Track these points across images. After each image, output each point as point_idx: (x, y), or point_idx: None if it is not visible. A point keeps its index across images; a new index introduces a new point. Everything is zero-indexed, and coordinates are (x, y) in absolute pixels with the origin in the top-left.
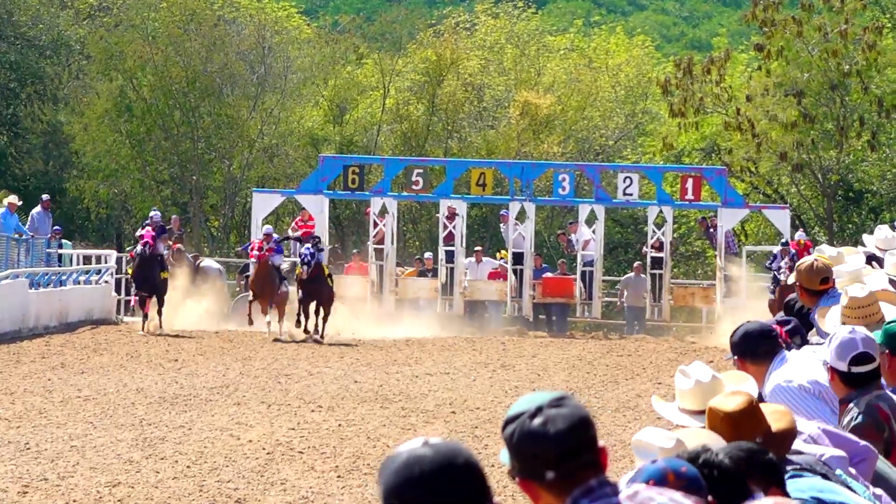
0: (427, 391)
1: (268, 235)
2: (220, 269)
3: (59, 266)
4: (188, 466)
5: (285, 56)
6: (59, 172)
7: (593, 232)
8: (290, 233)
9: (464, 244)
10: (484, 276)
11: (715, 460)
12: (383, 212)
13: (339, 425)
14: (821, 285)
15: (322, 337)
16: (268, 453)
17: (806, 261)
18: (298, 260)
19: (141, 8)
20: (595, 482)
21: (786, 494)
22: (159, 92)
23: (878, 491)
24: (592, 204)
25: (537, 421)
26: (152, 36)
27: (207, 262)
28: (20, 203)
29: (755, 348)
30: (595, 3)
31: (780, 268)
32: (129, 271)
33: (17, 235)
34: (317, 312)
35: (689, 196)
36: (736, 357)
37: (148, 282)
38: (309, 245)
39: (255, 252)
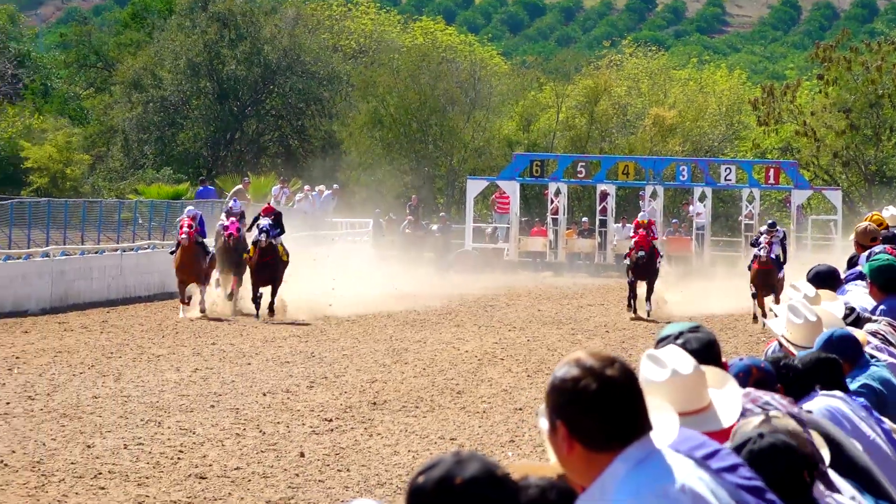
0: (588, 317)
1: (193, 217)
2: (441, 230)
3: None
4: (423, 369)
5: (489, 84)
6: (333, 166)
7: (703, 206)
8: (261, 220)
9: (613, 215)
10: (627, 237)
11: (791, 363)
12: (557, 192)
13: (528, 340)
14: (871, 242)
15: (272, 313)
16: (478, 359)
17: (861, 224)
18: (256, 231)
19: (388, 51)
20: None
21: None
22: (401, 110)
23: None
24: (703, 187)
25: (679, 341)
26: (396, 71)
27: (434, 227)
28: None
29: (823, 283)
30: (704, 47)
31: (759, 244)
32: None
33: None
34: (272, 296)
35: (771, 181)
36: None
37: (231, 264)
38: (269, 219)
39: (185, 230)
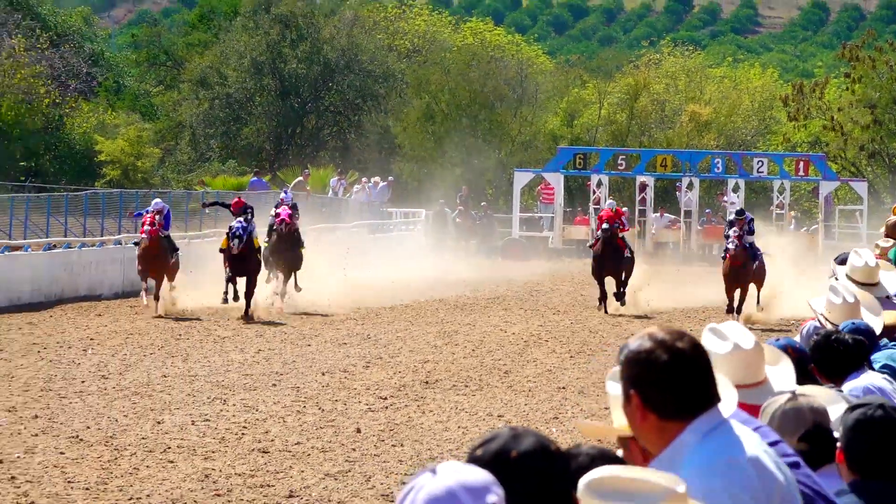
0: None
1: (158, 211)
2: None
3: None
4: (472, 350)
5: (535, 82)
6: (388, 159)
7: (736, 197)
8: (233, 223)
9: (651, 205)
10: (665, 226)
11: (842, 338)
12: (599, 184)
13: (571, 323)
14: None
15: (249, 315)
16: (524, 341)
17: (892, 218)
18: (228, 233)
19: (440, 50)
20: None
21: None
22: (452, 106)
23: None
24: (736, 178)
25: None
26: (447, 69)
27: (474, 213)
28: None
29: None
30: (738, 46)
31: (729, 236)
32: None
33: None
34: (247, 292)
35: (801, 173)
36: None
37: (286, 257)
38: (241, 219)
39: (147, 227)
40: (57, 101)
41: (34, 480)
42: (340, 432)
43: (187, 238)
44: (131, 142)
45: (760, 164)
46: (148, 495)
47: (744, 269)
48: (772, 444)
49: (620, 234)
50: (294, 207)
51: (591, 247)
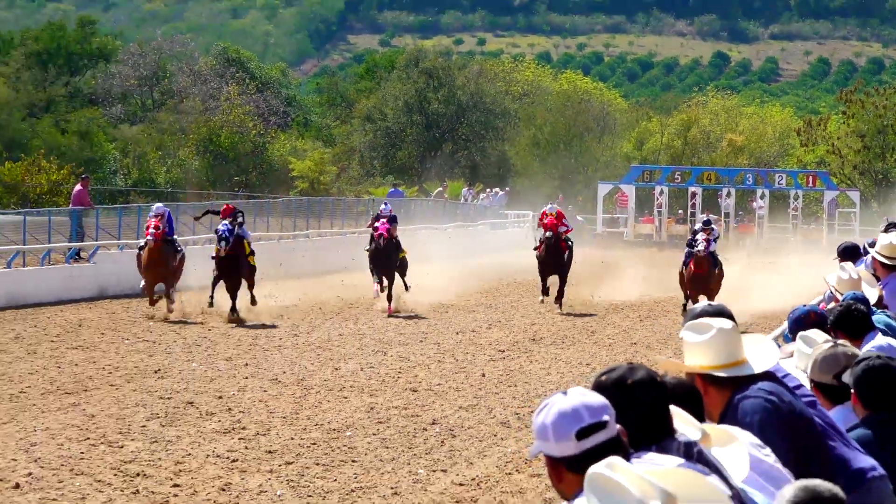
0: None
1: (160, 215)
2: (582, 221)
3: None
4: (567, 315)
5: (613, 117)
6: (505, 174)
7: (763, 202)
8: (219, 226)
9: (700, 208)
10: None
11: (860, 308)
12: (661, 193)
13: (639, 296)
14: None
15: (235, 312)
16: (605, 308)
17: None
18: (215, 237)
19: (543, 94)
20: None
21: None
22: (552, 135)
23: None
24: (763, 188)
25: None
26: (549, 108)
27: (579, 217)
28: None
29: (849, 255)
30: (764, 91)
31: (696, 241)
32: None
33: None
34: (231, 291)
35: (810, 185)
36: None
37: (387, 265)
38: (227, 221)
39: (152, 230)
40: (261, 132)
41: (245, 411)
42: (470, 376)
43: (357, 233)
44: (316, 162)
45: (780, 178)
46: (329, 422)
47: (707, 275)
48: (796, 388)
49: (564, 237)
50: (392, 219)
51: (535, 249)
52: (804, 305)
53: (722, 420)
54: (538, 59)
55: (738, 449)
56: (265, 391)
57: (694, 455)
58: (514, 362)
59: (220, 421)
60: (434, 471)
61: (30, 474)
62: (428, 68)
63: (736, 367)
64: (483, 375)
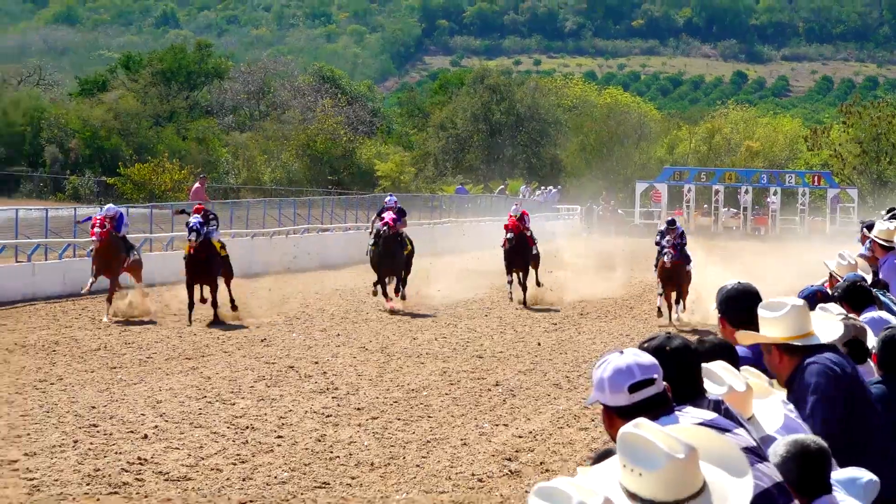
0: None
1: (111, 217)
2: (622, 214)
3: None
4: (611, 293)
5: (649, 126)
6: (557, 175)
7: (776, 198)
8: (190, 219)
9: (722, 203)
10: (730, 216)
11: (864, 286)
12: (689, 190)
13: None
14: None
15: (215, 314)
16: (643, 289)
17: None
18: (186, 232)
19: (589, 106)
20: None
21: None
22: (597, 141)
23: None
24: (776, 186)
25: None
26: (595, 118)
27: (620, 210)
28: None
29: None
30: (776, 104)
31: (664, 246)
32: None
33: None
34: (212, 293)
35: (816, 184)
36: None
37: (392, 261)
38: (198, 216)
39: (97, 230)
40: (350, 138)
41: (337, 374)
42: (527, 345)
43: (433, 223)
44: (397, 164)
45: (790, 178)
46: (408, 384)
47: (676, 273)
48: None
49: (528, 233)
50: (400, 212)
51: (502, 246)
52: (811, 285)
53: (790, 382)
54: (585, 77)
55: (773, 402)
56: (354, 357)
57: (722, 411)
58: (564, 333)
59: (316, 382)
60: (497, 425)
61: (156, 427)
62: (492, 84)
63: (807, 338)
64: (539, 344)
